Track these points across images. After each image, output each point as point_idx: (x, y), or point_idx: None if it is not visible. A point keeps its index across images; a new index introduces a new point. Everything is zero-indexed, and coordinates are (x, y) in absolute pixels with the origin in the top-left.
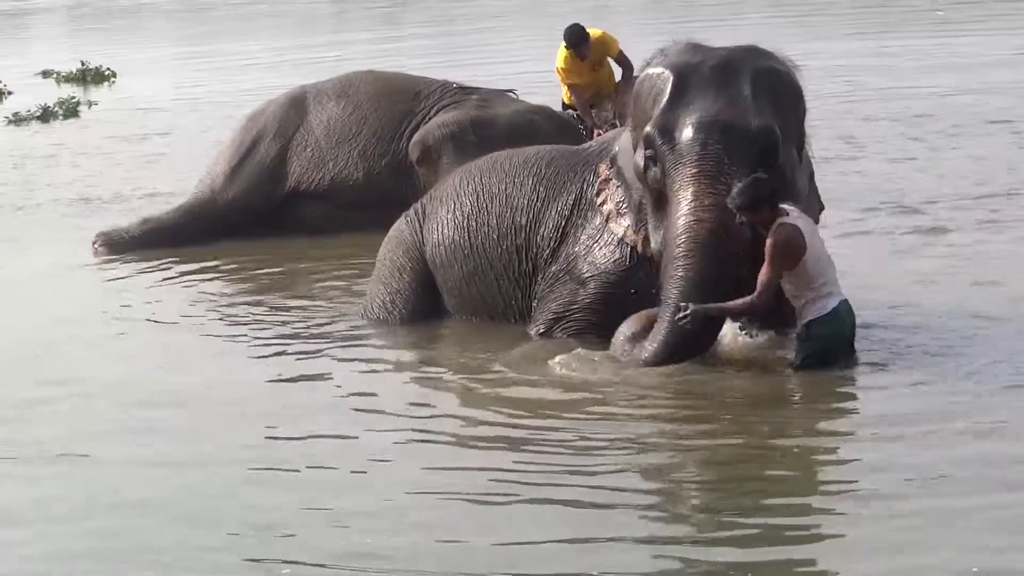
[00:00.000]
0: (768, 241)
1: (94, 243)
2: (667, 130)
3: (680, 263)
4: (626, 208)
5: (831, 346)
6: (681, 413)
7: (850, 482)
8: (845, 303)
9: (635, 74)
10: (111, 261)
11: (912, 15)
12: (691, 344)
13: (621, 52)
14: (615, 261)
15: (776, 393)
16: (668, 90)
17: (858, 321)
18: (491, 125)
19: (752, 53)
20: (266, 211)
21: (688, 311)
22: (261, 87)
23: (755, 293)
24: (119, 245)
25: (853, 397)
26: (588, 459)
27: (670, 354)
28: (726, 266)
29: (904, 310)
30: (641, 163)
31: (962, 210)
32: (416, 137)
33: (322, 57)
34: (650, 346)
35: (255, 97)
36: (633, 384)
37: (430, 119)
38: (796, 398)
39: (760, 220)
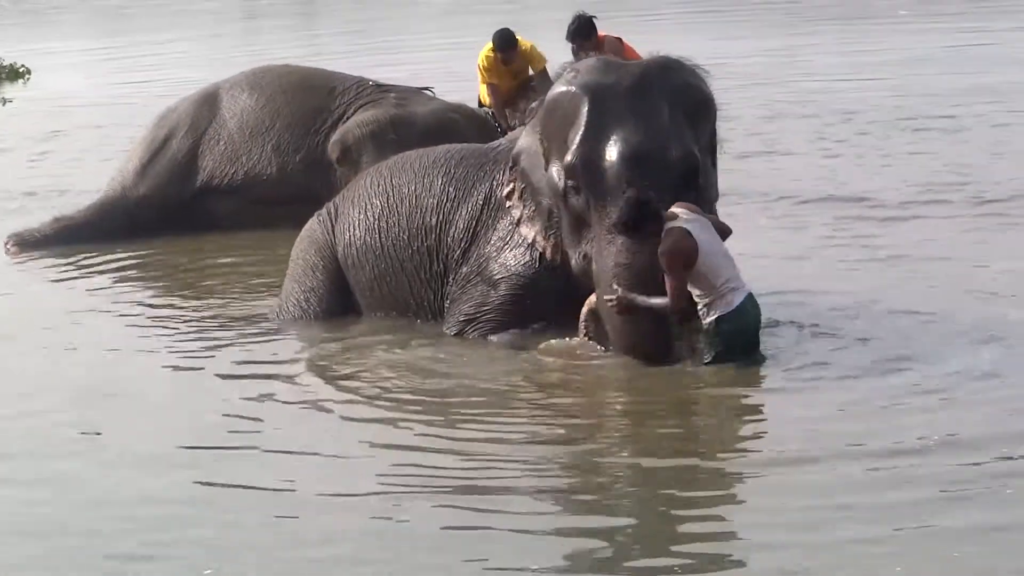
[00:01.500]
0: (659, 250)
1: (6, 243)
2: (590, 163)
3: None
4: (534, 212)
5: (737, 342)
6: (581, 427)
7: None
8: (749, 297)
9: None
10: (23, 261)
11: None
12: (643, 346)
13: (545, 71)
14: (525, 263)
15: (687, 399)
16: (584, 115)
17: (786, 317)
18: (410, 124)
19: (664, 69)
20: (178, 207)
21: (616, 297)
22: (175, 82)
23: (668, 300)
24: (31, 244)
25: (762, 405)
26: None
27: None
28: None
29: (821, 305)
30: (561, 187)
31: (884, 206)
32: (336, 136)
33: (236, 53)
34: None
35: (169, 93)
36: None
37: (348, 117)
38: (705, 405)
39: (650, 235)
